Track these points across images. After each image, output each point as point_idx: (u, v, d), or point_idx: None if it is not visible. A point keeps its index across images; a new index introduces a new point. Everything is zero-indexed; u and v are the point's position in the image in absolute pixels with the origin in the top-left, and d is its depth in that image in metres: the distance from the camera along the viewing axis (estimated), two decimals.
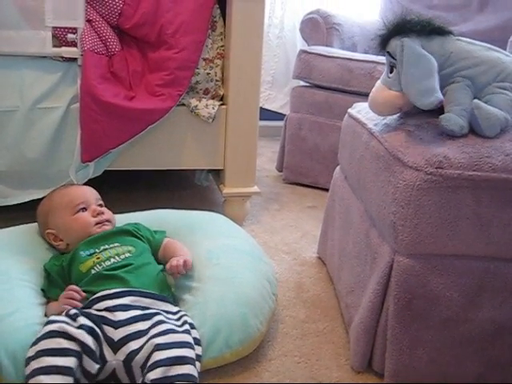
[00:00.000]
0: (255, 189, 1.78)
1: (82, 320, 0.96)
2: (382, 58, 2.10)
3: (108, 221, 1.29)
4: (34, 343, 0.92)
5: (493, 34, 2.40)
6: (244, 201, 1.79)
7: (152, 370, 0.91)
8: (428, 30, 1.03)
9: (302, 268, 1.55)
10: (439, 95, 0.96)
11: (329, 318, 1.31)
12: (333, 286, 1.44)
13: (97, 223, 1.25)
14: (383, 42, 1.07)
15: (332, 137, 2.16)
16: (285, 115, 2.40)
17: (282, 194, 2.18)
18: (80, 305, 1.04)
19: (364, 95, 2.08)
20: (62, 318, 0.97)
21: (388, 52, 1.07)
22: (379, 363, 1.08)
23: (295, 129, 2.27)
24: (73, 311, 0.98)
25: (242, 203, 1.79)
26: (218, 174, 1.84)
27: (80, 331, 0.93)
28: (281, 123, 2.44)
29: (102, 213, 1.28)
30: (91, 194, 1.32)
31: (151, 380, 0.90)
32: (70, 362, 0.90)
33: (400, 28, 1.05)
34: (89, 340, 0.93)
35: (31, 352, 0.92)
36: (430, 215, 0.95)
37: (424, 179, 0.93)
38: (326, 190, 2.18)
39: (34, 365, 0.90)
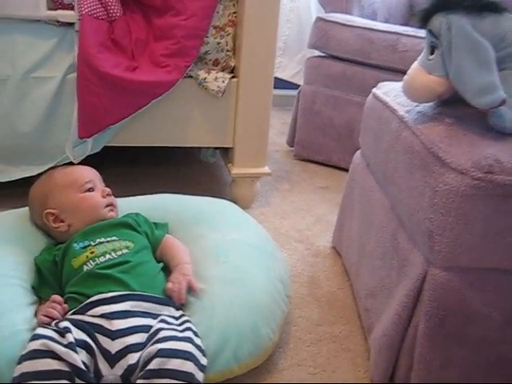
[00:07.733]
0: (266, 169, 1.66)
1: (72, 336, 0.84)
2: (406, 29, 1.96)
3: (115, 206, 1.18)
4: (19, 362, 0.82)
5: None
6: (254, 182, 1.67)
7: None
8: (479, 5, 0.88)
9: (316, 260, 1.44)
10: (502, 93, 0.82)
11: (345, 320, 1.20)
12: (349, 282, 1.33)
13: (107, 205, 1.15)
14: (425, 17, 0.93)
15: (348, 112, 2.02)
16: (296, 84, 2.25)
17: (293, 172, 2.05)
18: (59, 317, 0.93)
19: (385, 69, 1.95)
20: (49, 332, 0.85)
21: (430, 30, 0.93)
22: (403, 379, 0.98)
23: (309, 102, 2.12)
24: (63, 324, 0.87)
25: (252, 184, 1.67)
26: (226, 151, 1.71)
27: (68, 350, 0.82)
28: (292, 92, 2.29)
29: (111, 194, 1.18)
30: (96, 175, 1.21)
31: (145, 370, 0.82)
32: None
33: (445, 2, 0.90)
34: (78, 360, 0.82)
35: (17, 372, 0.81)
36: (474, 225, 0.82)
37: (470, 185, 0.80)
38: (340, 168, 2.08)
39: None
